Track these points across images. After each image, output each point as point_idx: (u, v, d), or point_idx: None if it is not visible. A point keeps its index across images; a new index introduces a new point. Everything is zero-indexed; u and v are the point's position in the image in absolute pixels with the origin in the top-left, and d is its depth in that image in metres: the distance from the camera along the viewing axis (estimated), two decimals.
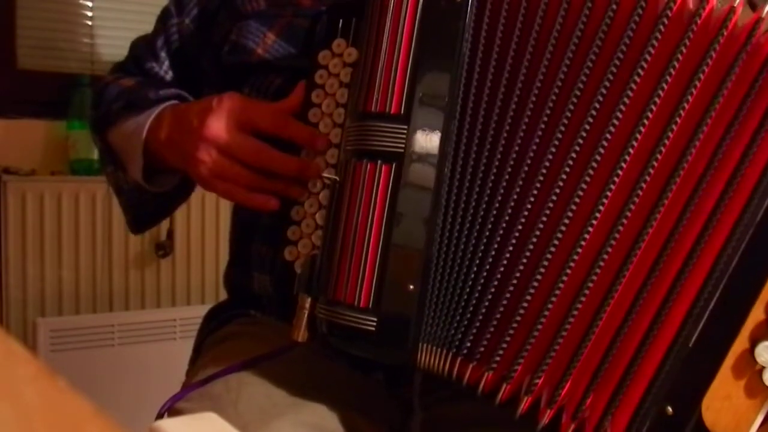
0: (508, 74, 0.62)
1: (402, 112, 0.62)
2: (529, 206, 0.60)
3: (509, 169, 0.61)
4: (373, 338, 0.61)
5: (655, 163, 0.56)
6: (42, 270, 1.80)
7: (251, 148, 0.72)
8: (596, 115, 0.58)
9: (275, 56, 0.81)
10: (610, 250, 0.57)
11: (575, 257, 0.58)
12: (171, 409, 0.69)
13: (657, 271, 0.56)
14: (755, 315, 0.55)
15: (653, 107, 0.57)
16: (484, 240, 0.61)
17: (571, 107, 0.59)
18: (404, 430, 0.76)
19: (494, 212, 0.61)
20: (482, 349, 0.60)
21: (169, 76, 0.91)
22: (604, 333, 0.57)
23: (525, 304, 0.59)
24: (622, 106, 0.58)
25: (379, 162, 0.62)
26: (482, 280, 0.61)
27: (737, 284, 0.55)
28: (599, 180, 0.58)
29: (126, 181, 0.89)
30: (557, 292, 0.58)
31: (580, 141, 0.58)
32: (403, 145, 0.61)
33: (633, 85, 0.57)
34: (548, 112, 0.60)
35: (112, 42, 2.01)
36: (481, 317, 0.61)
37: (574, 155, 0.59)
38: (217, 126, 0.72)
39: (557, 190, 0.59)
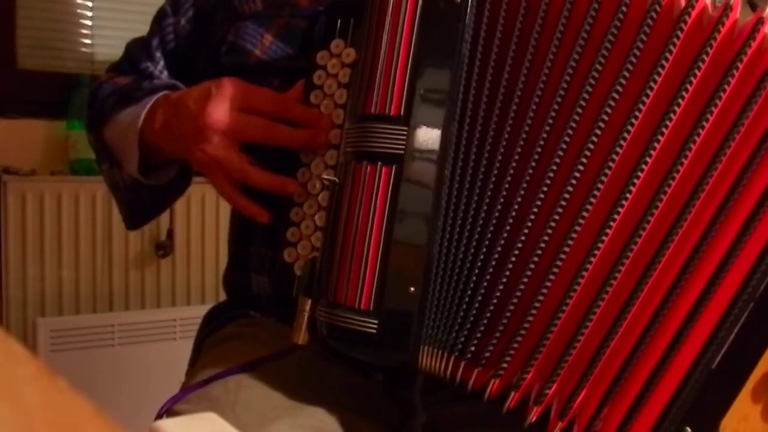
0: (507, 74, 0.61)
1: (402, 113, 0.61)
2: (535, 209, 0.59)
3: (511, 171, 0.60)
4: (375, 341, 0.61)
5: (676, 174, 0.55)
6: (42, 270, 1.80)
7: (258, 125, 0.72)
8: (611, 112, 0.57)
9: (273, 57, 0.81)
10: (629, 257, 0.56)
11: (590, 261, 0.57)
12: (169, 411, 0.69)
13: (679, 288, 0.55)
14: None
15: (676, 108, 0.55)
16: (487, 241, 0.61)
17: (579, 111, 0.58)
18: (404, 431, 0.76)
19: (497, 213, 0.60)
20: (488, 354, 0.60)
21: (164, 76, 0.91)
22: (621, 346, 0.56)
23: (534, 310, 0.58)
24: (640, 106, 0.56)
25: (379, 164, 0.62)
26: (485, 283, 0.60)
27: (765, 307, 0.54)
28: (619, 180, 0.56)
29: (122, 177, 0.89)
30: (570, 299, 0.57)
31: (594, 139, 0.57)
32: (403, 147, 0.61)
33: (653, 84, 0.56)
34: (552, 113, 0.59)
35: (112, 42, 2.01)
36: (486, 320, 0.60)
37: (585, 155, 0.58)
38: (219, 111, 0.71)
39: (568, 191, 0.58)
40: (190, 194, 1.60)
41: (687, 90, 0.55)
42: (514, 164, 0.60)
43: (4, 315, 1.77)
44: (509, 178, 0.60)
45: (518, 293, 0.59)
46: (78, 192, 1.82)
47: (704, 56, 0.55)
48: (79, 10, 2.02)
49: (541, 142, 0.59)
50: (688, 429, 0.55)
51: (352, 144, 0.64)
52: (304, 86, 0.71)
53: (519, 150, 0.60)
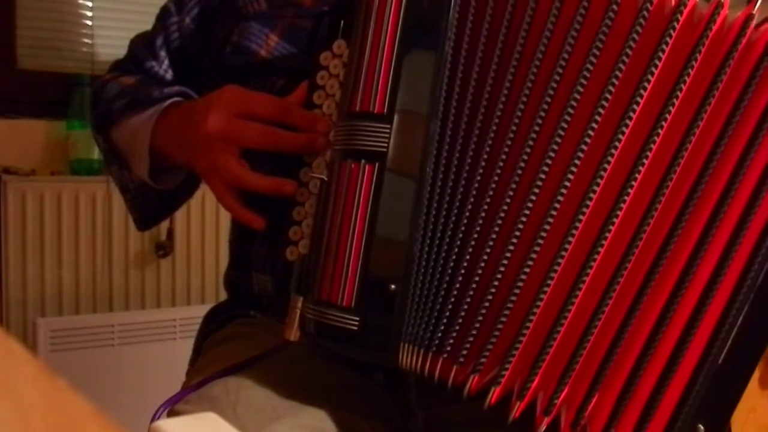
0: (494, 72, 0.61)
1: (385, 111, 0.62)
2: (509, 203, 0.59)
3: (498, 170, 0.60)
4: (357, 337, 0.61)
5: (674, 175, 0.55)
6: (42, 270, 1.80)
7: (257, 131, 0.72)
8: (602, 113, 0.57)
9: (278, 58, 0.81)
10: (597, 257, 0.56)
11: (560, 261, 0.57)
12: (170, 411, 0.69)
13: (683, 289, 0.55)
14: None
15: (667, 115, 0.56)
16: (468, 240, 0.61)
17: (569, 110, 0.58)
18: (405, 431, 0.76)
19: (481, 213, 0.60)
20: (465, 350, 0.60)
21: (168, 75, 0.91)
22: (600, 341, 0.56)
23: (510, 303, 0.58)
24: (635, 106, 0.56)
25: (362, 162, 0.62)
26: (460, 278, 0.60)
27: (765, 299, 0.54)
28: (615, 183, 0.56)
29: (131, 179, 0.89)
30: (544, 293, 0.57)
31: (587, 139, 0.57)
32: (386, 145, 0.61)
33: (647, 84, 0.56)
34: (541, 112, 0.59)
35: (112, 42, 2.01)
36: (462, 317, 0.60)
37: (578, 156, 0.58)
38: (219, 118, 0.72)
39: (561, 192, 0.58)
40: None
41: (681, 89, 0.55)
42: (501, 164, 0.60)
43: (4, 315, 1.77)
44: (495, 176, 0.60)
45: (493, 289, 0.59)
46: (78, 192, 1.82)
47: (697, 55, 0.55)
48: (79, 10, 2.02)
49: (531, 142, 0.59)
50: (701, 427, 0.54)
51: (340, 142, 0.65)
52: (308, 87, 0.71)
53: (507, 149, 0.60)
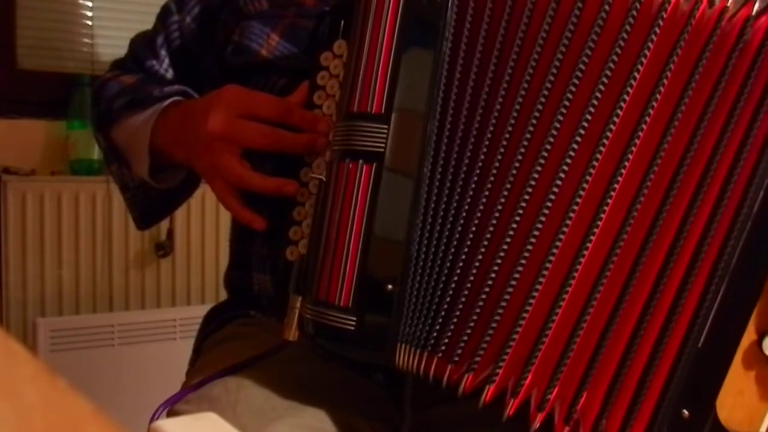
0: (491, 72, 0.61)
1: (383, 111, 0.62)
2: (504, 203, 0.59)
3: (494, 171, 0.60)
4: (354, 338, 0.61)
5: (656, 168, 0.56)
6: (42, 270, 1.80)
7: (258, 131, 0.72)
8: (593, 112, 0.58)
9: (279, 58, 0.81)
10: (583, 259, 0.57)
11: (550, 261, 0.57)
12: (169, 411, 0.69)
13: (665, 278, 0.55)
14: (762, 307, 0.54)
15: (651, 110, 0.56)
16: (464, 240, 0.61)
17: (563, 110, 0.58)
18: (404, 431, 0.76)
19: (477, 213, 0.60)
20: (460, 349, 0.60)
21: (169, 74, 0.91)
22: (589, 335, 0.57)
23: (503, 304, 0.59)
24: (621, 103, 0.57)
25: (360, 162, 0.62)
26: (456, 278, 0.61)
27: (740, 279, 0.54)
28: (601, 180, 0.57)
29: (131, 178, 0.89)
30: (536, 291, 0.58)
31: (578, 138, 0.58)
32: (383, 145, 0.61)
33: (633, 81, 0.57)
34: (536, 112, 0.59)
35: (112, 42, 2.01)
36: (456, 316, 0.60)
37: (569, 155, 0.58)
38: (220, 119, 0.72)
39: (553, 191, 0.58)
40: None
41: (663, 84, 0.56)
42: (497, 164, 0.60)
43: (4, 315, 1.77)
44: (492, 177, 0.60)
45: (487, 288, 0.59)
46: (78, 192, 1.82)
47: (678, 50, 0.56)
48: (79, 10, 2.02)
49: (525, 142, 0.59)
50: (685, 411, 0.54)
51: (338, 142, 0.65)
52: (309, 87, 0.71)
53: (503, 150, 0.60)
